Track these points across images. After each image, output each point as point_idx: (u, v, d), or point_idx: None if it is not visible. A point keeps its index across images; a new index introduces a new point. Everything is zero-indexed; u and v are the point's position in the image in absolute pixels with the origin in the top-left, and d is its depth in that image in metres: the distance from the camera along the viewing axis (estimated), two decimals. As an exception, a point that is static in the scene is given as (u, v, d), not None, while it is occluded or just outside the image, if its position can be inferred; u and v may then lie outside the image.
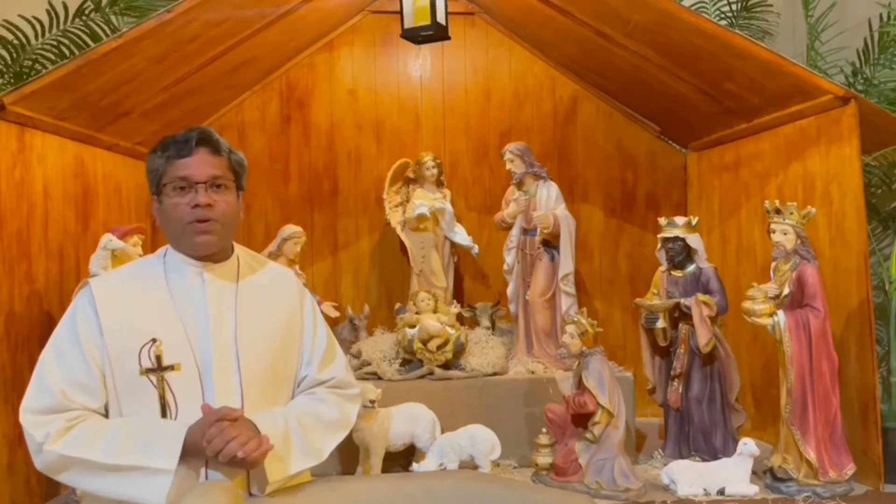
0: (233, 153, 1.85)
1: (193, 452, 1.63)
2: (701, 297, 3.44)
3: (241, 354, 1.78)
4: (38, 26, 4.25)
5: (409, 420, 3.43)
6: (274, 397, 1.84)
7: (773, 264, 3.24)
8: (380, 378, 3.67)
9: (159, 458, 1.61)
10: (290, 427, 1.79)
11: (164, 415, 1.71)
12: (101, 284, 1.82)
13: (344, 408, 1.94)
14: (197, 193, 1.75)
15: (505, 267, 4.09)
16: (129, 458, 1.61)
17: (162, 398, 1.69)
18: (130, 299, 1.78)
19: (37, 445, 1.67)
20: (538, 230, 3.95)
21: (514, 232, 4.05)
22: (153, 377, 1.69)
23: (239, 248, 1.93)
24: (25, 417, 1.70)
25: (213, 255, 1.84)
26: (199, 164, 1.76)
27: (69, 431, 1.66)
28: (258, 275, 1.92)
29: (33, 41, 4.25)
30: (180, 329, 1.76)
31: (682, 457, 3.45)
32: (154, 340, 1.71)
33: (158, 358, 1.70)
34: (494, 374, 3.74)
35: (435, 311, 3.80)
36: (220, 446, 1.59)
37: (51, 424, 1.67)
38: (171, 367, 1.71)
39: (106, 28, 4.35)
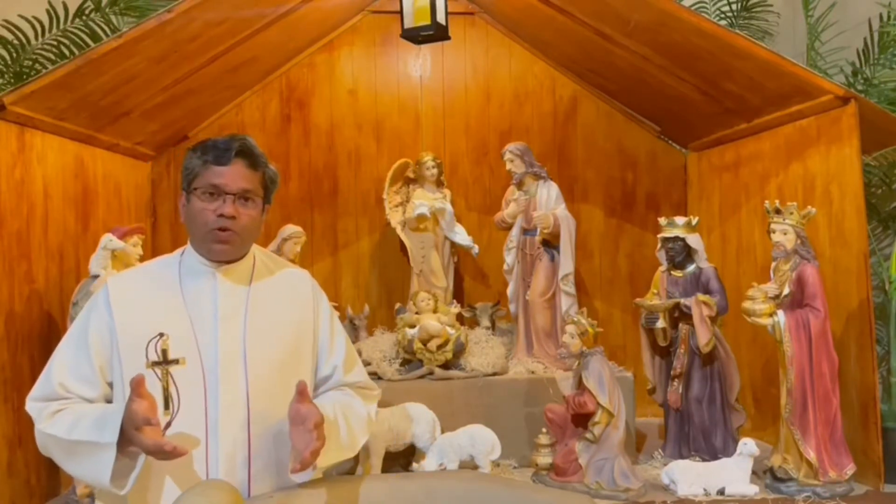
0: (268, 168, 1.87)
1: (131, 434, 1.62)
2: (701, 297, 3.44)
3: (249, 355, 1.80)
4: (38, 26, 4.25)
5: (409, 420, 3.43)
6: (283, 398, 1.85)
7: (773, 264, 3.24)
8: (380, 378, 3.67)
9: (105, 432, 1.63)
10: (338, 418, 1.84)
11: (166, 407, 1.73)
12: (117, 283, 1.87)
13: (370, 408, 2.02)
14: (225, 203, 1.77)
15: (505, 267, 4.09)
16: (81, 433, 1.66)
17: (165, 391, 1.71)
18: (144, 297, 1.83)
19: (35, 427, 1.76)
20: (538, 230, 3.95)
21: (514, 232, 4.05)
22: (158, 370, 1.71)
23: (256, 249, 1.95)
24: (28, 404, 1.79)
25: (229, 260, 1.87)
26: (234, 176, 1.79)
27: (56, 413, 1.74)
28: (273, 276, 1.95)
29: (33, 41, 4.25)
30: (188, 327, 1.79)
31: (682, 457, 3.45)
32: (161, 335, 1.74)
33: (164, 352, 1.73)
34: (494, 374, 3.74)
35: (435, 311, 3.80)
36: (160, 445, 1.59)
37: (46, 409, 1.75)
38: (176, 361, 1.74)
39: (106, 28, 4.35)
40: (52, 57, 4.26)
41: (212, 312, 1.81)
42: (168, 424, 1.66)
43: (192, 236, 1.85)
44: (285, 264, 2.04)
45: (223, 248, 1.81)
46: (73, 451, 1.68)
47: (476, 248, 4.19)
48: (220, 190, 1.77)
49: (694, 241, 3.53)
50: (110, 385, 1.80)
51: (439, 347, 3.67)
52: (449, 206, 4.16)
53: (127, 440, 1.61)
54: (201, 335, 1.79)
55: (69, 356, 1.80)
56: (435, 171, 4.21)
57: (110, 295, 1.81)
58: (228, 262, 1.86)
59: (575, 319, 3.40)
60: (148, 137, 4.10)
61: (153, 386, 1.72)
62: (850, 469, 3.08)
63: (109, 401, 1.80)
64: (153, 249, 4.09)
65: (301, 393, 1.70)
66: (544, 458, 3.38)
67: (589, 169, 4.62)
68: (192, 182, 1.80)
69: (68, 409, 1.74)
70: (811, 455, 3.05)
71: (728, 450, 3.36)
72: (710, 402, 3.51)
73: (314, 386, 1.95)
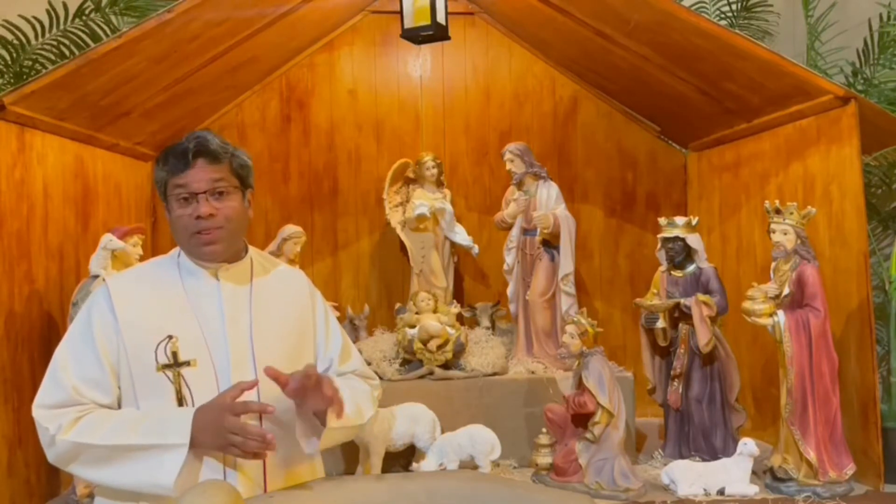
0: (234, 156, 1.86)
1: (201, 434, 1.64)
2: (701, 297, 3.44)
3: (257, 352, 1.81)
4: (38, 26, 4.25)
5: (409, 420, 3.43)
6: None
7: (773, 264, 3.25)
8: (380, 378, 3.66)
9: (171, 434, 1.63)
10: (342, 385, 1.83)
11: None
12: (117, 283, 1.85)
13: (373, 392, 2.03)
14: (199, 204, 1.77)
15: (505, 267, 4.09)
16: (138, 437, 1.64)
17: (178, 393, 1.72)
18: (146, 297, 1.81)
19: (49, 438, 1.70)
20: (538, 230, 3.95)
21: (514, 232, 4.05)
22: (169, 373, 1.72)
23: (251, 250, 1.96)
24: (38, 412, 1.73)
25: (225, 257, 1.86)
26: (198, 175, 1.78)
27: (79, 421, 1.69)
28: (271, 275, 1.96)
29: (33, 41, 4.25)
30: (196, 327, 1.79)
31: (682, 457, 3.45)
32: (170, 337, 1.74)
33: (175, 354, 1.73)
34: (494, 374, 3.74)
35: (435, 311, 3.80)
36: (250, 446, 1.63)
37: (63, 417, 1.70)
38: (188, 363, 1.74)
39: (106, 28, 4.36)
40: (52, 57, 4.26)
41: (217, 312, 1.81)
42: None
43: (180, 245, 1.85)
44: (279, 264, 2.05)
45: (211, 249, 1.80)
46: (116, 457, 1.65)
47: (476, 248, 4.19)
48: (190, 192, 1.78)
49: (694, 241, 3.53)
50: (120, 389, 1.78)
51: (439, 347, 3.67)
52: (449, 206, 4.16)
53: (197, 442, 1.62)
54: (209, 336, 1.78)
55: (76, 359, 1.75)
56: (435, 171, 4.21)
57: (112, 295, 1.79)
58: (229, 262, 1.87)
59: (575, 319, 3.40)
60: (148, 137, 4.10)
61: (164, 389, 1.72)
62: (850, 469, 3.08)
63: (121, 405, 1.78)
64: (153, 249, 4.08)
65: (277, 379, 1.68)
66: (544, 458, 3.38)
67: (589, 169, 4.62)
68: (165, 193, 1.83)
69: (96, 415, 1.70)
70: (811, 455, 3.05)
71: (728, 450, 3.36)
72: (710, 402, 3.51)
73: None
